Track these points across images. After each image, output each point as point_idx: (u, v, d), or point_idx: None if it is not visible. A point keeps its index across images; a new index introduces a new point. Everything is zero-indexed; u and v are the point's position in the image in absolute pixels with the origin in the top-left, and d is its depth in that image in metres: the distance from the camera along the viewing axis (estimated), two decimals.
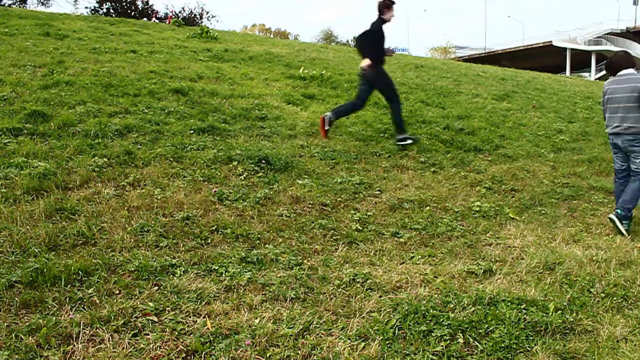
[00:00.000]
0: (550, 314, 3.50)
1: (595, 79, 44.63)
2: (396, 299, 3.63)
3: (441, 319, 3.35)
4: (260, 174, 5.77)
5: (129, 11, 24.90)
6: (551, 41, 53.92)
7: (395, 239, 4.85)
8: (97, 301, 3.29)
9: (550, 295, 3.81)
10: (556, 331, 3.32)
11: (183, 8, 25.50)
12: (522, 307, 3.57)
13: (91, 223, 4.22)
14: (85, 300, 3.28)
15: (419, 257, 4.47)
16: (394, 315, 3.38)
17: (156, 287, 3.53)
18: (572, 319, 3.47)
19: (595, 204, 6.47)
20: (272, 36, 64.19)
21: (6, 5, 22.68)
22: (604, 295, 3.88)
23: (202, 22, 24.82)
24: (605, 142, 9.66)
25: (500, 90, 13.32)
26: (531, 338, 3.23)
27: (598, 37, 52.26)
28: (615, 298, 3.84)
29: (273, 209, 5.08)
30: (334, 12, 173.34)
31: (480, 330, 3.27)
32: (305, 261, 4.18)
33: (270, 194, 5.35)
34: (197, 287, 3.58)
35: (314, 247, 4.44)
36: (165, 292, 3.48)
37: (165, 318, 3.20)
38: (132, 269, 3.69)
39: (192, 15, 25.09)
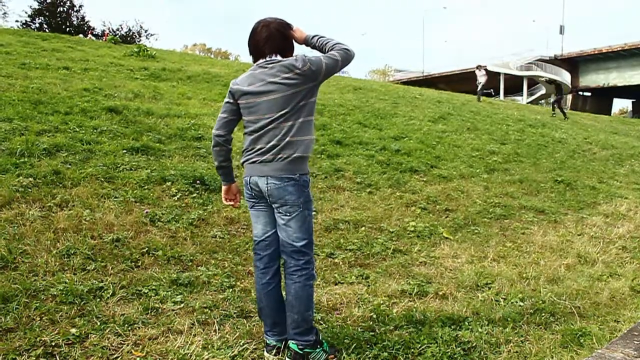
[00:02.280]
0: (480, 332, 3.55)
1: (527, 103, 46.39)
2: (331, 321, 3.61)
3: (374, 340, 3.34)
4: (195, 194, 5.66)
5: (63, 27, 24.24)
6: (486, 66, 55.84)
7: (330, 259, 4.83)
8: (15, 329, 3.11)
9: (482, 313, 3.87)
10: (486, 349, 3.37)
11: (121, 25, 24.99)
12: (454, 326, 3.61)
13: (12, 246, 4.02)
14: (1, 328, 3.10)
15: (354, 277, 4.47)
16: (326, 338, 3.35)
17: (81, 312, 3.38)
18: (501, 336, 3.53)
19: (526, 222, 6.66)
20: (212, 56, 63.87)
21: None
22: (532, 312, 3.97)
23: (140, 40, 24.41)
24: (535, 163, 10.02)
25: (436, 113, 13.65)
26: (462, 357, 3.26)
27: (529, 63, 54.40)
28: (543, 314, 3.94)
29: (207, 230, 4.98)
30: None
31: (413, 350, 3.27)
32: (238, 283, 4.10)
33: (204, 215, 5.25)
34: (125, 311, 3.45)
35: (247, 268, 4.37)
36: (91, 317, 3.34)
37: (90, 345, 3.06)
38: (56, 293, 3.53)
39: (130, 33, 24.65)
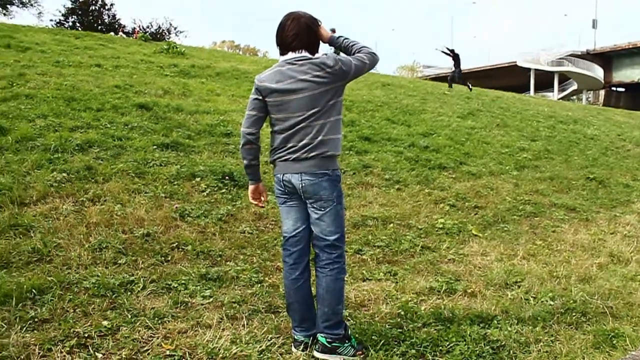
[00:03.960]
0: (509, 330, 3.51)
1: (558, 99, 45.65)
2: (359, 317, 3.61)
3: (402, 337, 3.33)
4: (224, 190, 5.71)
5: (95, 25, 24.62)
6: (516, 61, 55.02)
7: (359, 256, 4.83)
8: (50, 320, 3.19)
9: (511, 311, 3.83)
10: (515, 348, 3.33)
11: (151, 23, 25.25)
12: (482, 324, 3.58)
13: (47, 239, 4.12)
14: (37, 319, 3.18)
15: (382, 274, 4.46)
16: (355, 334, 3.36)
17: (112, 305, 3.44)
18: (531, 335, 3.48)
19: (557, 220, 6.56)
20: (240, 53, 64.20)
21: None
22: (563, 311, 3.91)
23: (170, 37, 24.63)
24: (566, 160, 9.86)
25: (465, 109, 13.52)
26: (491, 356, 3.23)
27: (560, 59, 53.48)
28: (574, 314, 3.88)
29: (235, 226, 5.02)
30: None
31: (441, 348, 3.25)
32: (266, 278, 4.13)
33: (233, 210, 5.29)
34: (155, 304, 3.50)
35: (275, 264, 4.39)
36: (122, 310, 3.40)
37: (121, 337, 3.11)
38: (88, 286, 3.60)
39: (160, 31, 24.88)
